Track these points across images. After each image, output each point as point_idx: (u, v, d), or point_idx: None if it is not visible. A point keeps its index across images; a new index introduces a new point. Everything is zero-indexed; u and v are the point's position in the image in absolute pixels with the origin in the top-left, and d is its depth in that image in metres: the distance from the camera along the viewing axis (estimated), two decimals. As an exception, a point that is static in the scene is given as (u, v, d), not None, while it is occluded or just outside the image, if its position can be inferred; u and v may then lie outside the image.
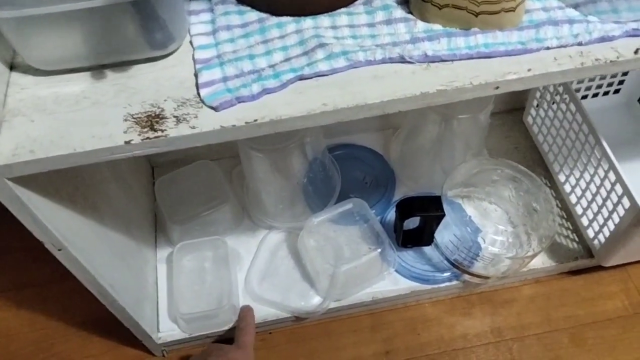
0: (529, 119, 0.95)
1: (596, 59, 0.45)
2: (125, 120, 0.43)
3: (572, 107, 0.80)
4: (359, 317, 0.85)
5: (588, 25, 0.47)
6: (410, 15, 0.49)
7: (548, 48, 0.46)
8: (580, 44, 0.46)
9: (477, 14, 0.46)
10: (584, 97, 0.97)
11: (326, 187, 0.87)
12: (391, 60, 0.46)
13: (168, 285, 0.83)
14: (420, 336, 0.83)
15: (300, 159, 0.79)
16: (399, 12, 0.49)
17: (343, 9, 0.49)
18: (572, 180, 0.85)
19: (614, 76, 0.94)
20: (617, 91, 0.98)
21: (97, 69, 0.46)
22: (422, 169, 0.89)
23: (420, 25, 0.48)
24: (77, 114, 0.44)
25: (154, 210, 0.90)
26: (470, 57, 0.46)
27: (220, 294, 0.80)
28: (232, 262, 0.82)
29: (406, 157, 0.92)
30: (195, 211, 0.84)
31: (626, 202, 0.70)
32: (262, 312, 0.80)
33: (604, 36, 0.46)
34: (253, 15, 0.50)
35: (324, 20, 0.49)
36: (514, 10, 0.46)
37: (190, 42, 0.48)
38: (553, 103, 0.86)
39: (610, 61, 0.45)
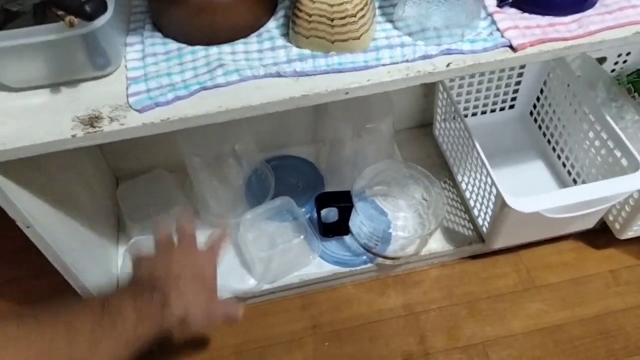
0: (436, 132, 1.13)
1: (418, 71, 0.62)
2: (73, 121, 0.60)
3: (459, 122, 0.97)
4: (291, 299, 1.00)
5: (415, 48, 0.64)
6: (288, 44, 0.66)
7: (384, 65, 0.63)
8: (407, 61, 0.63)
9: (332, 42, 0.63)
10: (484, 112, 1.15)
11: (262, 190, 1.04)
12: (271, 75, 0.63)
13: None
14: (343, 312, 0.98)
15: (235, 165, 0.96)
16: (281, 42, 0.66)
17: (241, 40, 0.67)
18: (466, 180, 1.02)
19: (506, 93, 1.13)
20: (512, 106, 1.16)
21: (54, 86, 0.63)
22: (345, 174, 1.06)
23: (295, 50, 0.65)
24: (38, 118, 0.60)
25: (117, 215, 1.06)
26: (327, 72, 0.63)
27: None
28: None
29: (332, 164, 1.08)
30: (150, 212, 1.00)
31: (494, 190, 0.87)
32: (206, 295, 0.95)
33: (425, 55, 0.63)
34: (174, 45, 0.67)
35: (226, 48, 0.66)
36: (359, 39, 0.63)
37: (125, 66, 0.65)
38: (448, 119, 1.04)
39: (429, 72, 0.63)
